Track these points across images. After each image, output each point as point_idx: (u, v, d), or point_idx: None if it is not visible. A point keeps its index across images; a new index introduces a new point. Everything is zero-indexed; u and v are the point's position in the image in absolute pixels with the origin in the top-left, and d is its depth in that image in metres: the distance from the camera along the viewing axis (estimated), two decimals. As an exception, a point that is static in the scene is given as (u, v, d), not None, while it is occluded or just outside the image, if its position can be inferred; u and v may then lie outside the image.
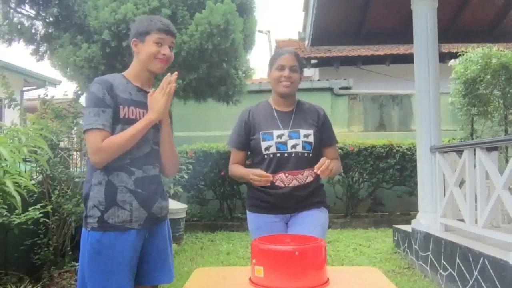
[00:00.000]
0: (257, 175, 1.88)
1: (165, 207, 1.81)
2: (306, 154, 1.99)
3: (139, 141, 1.68)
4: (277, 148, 1.98)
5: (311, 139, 2.00)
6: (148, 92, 1.77)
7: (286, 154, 1.97)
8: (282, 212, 2.03)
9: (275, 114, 2.05)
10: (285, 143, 1.97)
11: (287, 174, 1.97)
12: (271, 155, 1.98)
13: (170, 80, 1.70)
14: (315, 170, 1.84)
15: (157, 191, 1.76)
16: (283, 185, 1.97)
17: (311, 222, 1.99)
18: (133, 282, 1.66)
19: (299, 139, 1.98)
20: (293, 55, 2.03)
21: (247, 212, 2.14)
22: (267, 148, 1.99)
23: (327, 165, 1.83)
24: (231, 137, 2.12)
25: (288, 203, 2.01)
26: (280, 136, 1.99)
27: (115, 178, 1.64)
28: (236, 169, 2.06)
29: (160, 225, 1.78)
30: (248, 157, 2.18)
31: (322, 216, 2.06)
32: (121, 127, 1.65)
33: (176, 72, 1.75)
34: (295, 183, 1.98)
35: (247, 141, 2.07)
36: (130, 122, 1.67)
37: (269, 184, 1.91)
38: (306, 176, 2.00)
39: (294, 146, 1.98)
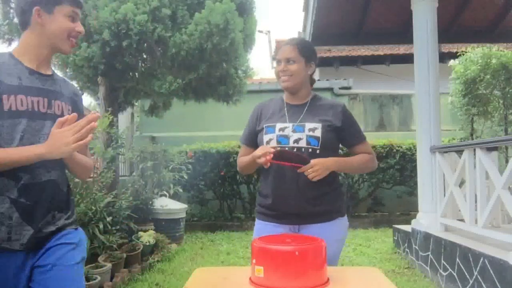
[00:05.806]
0: (258, 151, 1.74)
1: (62, 223, 1.40)
2: (310, 150, 1.78)
3: (27, 135, 1.31)
4: (278, 142, 1.80)
5: (317, 133, 1.79)
6: (46, 76, 1.41)
7: (287, 149, 1.79)
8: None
9: (285, 108, 1.90)
10: (287, 137, 1.80)
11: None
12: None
13: (92, 119, 1.28)
14: (298, 170, 1.73)
15: (52, 201, 1.38)
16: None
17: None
18: None
19: (303, 133, 1.79)
20: (290, 46, 1.85)
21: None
22: (268, 142, 1.82)
23: (311, 166, 1.70)
24: (243, 133, 2.01)
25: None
26: (282, 129, 1.82)
27: None
28: (242, 159, 1.95)
29: (53, 248, 1.36)
30: None
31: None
32: (9, 123, 1.28)
33: (98, 113, 1.42)
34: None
35: (255, 137, 1.93)
36: (19, 115, 1.30)
37: (271, 153, 1.71)
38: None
39: (297, 141, 1.79)
